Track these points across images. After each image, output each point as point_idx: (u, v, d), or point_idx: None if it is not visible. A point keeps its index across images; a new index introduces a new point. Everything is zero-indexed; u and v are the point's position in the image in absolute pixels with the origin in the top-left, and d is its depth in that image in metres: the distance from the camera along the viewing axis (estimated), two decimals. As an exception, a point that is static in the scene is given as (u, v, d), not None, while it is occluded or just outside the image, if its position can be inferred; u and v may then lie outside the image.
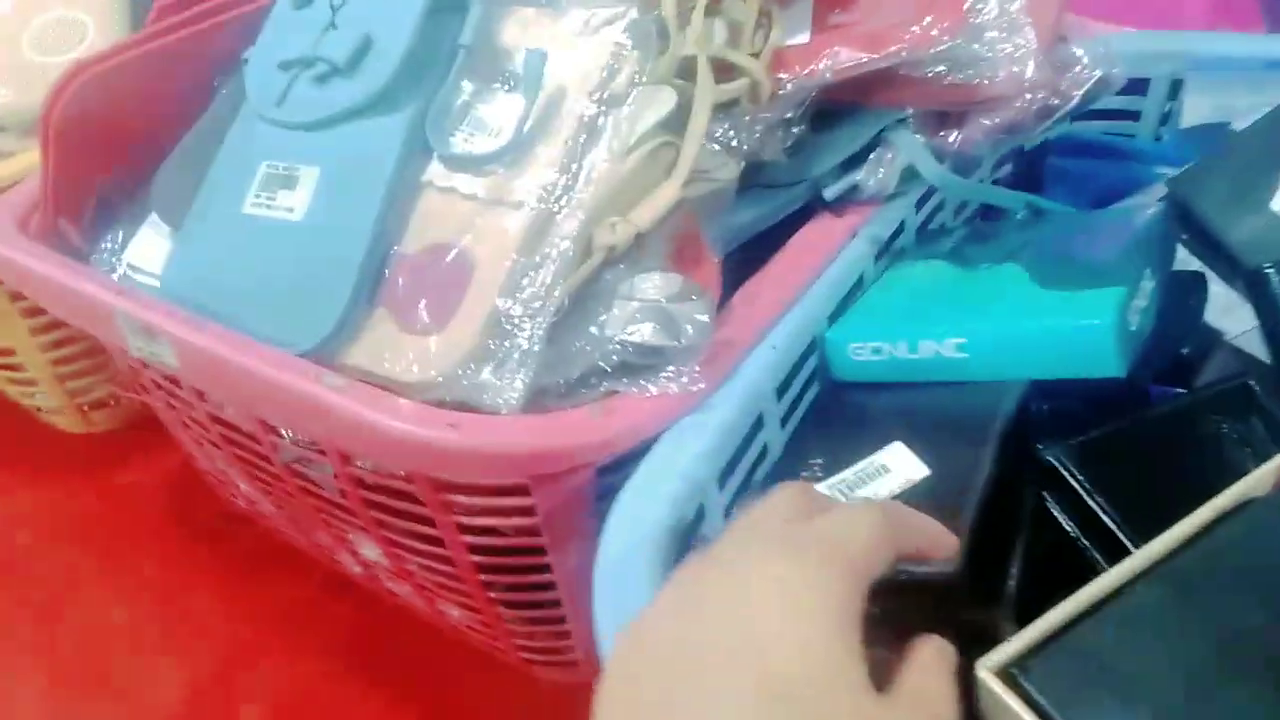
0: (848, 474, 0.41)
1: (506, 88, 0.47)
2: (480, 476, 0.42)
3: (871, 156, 0.51)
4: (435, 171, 0.46)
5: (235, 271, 0.47)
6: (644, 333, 0.41)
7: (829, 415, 0.47)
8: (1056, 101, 0.52)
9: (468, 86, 0.48)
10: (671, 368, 0.41)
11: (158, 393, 0.57)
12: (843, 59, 0.48)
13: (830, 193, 0.52)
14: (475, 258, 0.44)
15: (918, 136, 0.50)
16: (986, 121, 0.52)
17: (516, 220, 0.44)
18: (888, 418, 0.44)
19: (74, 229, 0.56)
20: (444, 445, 0.38)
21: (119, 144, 0.56)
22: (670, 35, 0.47)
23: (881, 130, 0.51)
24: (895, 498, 0.39)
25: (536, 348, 0.41)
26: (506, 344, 0.42)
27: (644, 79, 0.46)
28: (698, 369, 0.41)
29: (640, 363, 0.42)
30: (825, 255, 0.50)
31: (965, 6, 0.47)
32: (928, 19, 0.47)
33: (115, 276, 0.52)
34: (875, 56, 0.47)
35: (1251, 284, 0.43)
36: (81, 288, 0.49)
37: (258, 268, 0.47)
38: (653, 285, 0.42)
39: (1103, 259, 0.46)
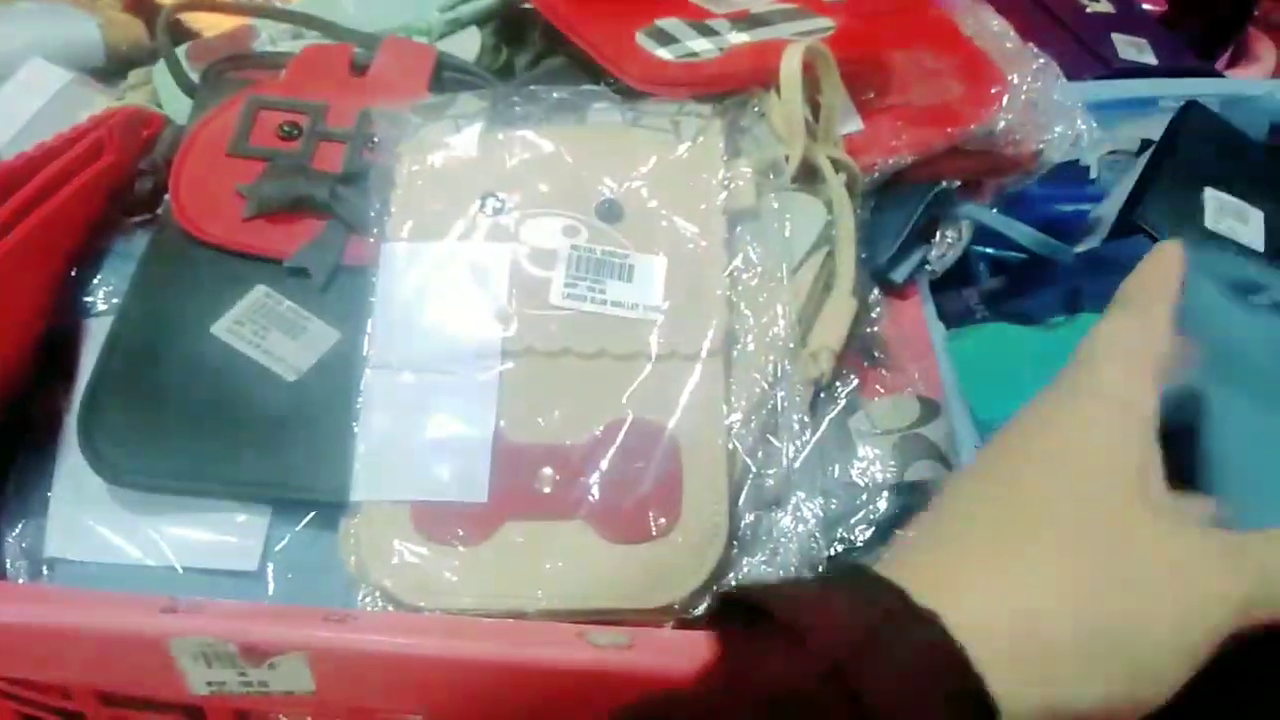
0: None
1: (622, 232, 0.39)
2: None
3: (940, 235, 0.50)
4: (568, 338, 0.37)
5: None
6: (922, 470, 0.36)
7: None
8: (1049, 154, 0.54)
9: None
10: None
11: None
12: (923, 141, 0.46)
13: (900, 274, 0.50)
14: (668, 429, 0.36)
15: (980, 205, 0.50)
16: (1003, 180, 0.53)
17: (703, 375, 0.36)
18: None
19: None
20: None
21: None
22: (777, 137, 0.42)
23: (931, 205, 0.50)
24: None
25: (812, 519, 0.34)
26: (767, 524, 0.34)
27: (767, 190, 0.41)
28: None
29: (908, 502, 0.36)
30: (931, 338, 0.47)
31: (1009, 77, 0.48)
32: (993, 89, 0.47)
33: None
34: (955, 133, 0.46)
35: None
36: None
37: None
38: (891, 412, 0.37)
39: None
